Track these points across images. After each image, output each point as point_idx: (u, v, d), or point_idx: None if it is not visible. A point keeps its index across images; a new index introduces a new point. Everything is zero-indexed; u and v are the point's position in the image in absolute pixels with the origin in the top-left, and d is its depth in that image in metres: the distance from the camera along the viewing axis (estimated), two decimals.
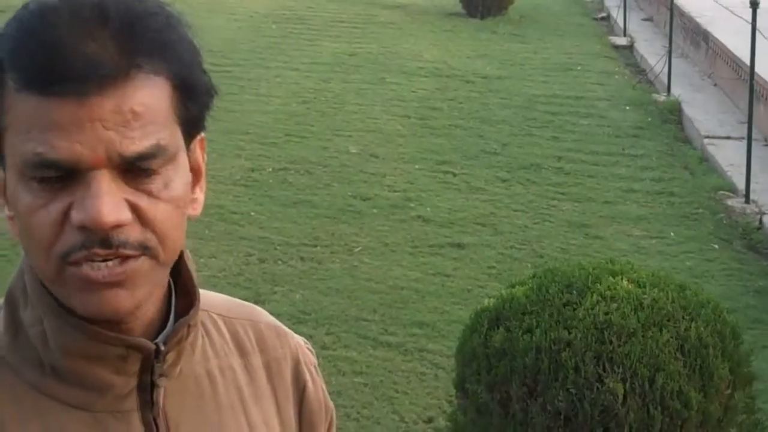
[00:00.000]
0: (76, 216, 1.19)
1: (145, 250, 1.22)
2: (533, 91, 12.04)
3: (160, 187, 1.23)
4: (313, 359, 1.56)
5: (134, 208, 1.21)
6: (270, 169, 8.96)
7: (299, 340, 1.55)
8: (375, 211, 8.14)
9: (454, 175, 9.05)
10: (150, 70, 1.22)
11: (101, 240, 1.19)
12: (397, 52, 13.90)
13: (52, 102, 1.18)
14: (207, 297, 1.44)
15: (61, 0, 1.22)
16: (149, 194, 1.22)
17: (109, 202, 1.19)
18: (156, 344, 1.31)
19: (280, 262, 7.15)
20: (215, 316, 1.46)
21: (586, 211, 8.35)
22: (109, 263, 1.20)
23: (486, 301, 3.75)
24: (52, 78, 1.18)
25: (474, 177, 9.02)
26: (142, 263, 1.22)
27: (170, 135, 1.23)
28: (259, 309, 1.54)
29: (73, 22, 1.19)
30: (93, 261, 1.20)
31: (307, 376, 1.52)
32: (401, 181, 8.82)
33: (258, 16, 16.21)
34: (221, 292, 1.50)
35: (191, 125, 1.28)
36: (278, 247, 7.37)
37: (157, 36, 1.23)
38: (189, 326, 1.34)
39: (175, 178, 1.24)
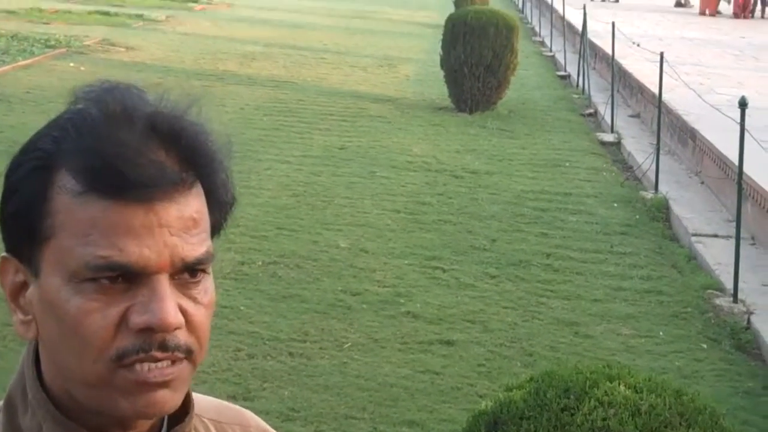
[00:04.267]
0: (139, 318, 1.22)
1: (188, 353, 1.26)
2: (522, 187, 12.11)
3: (201, 293, 1.28)
4: None
5: (183, 313, 1.25)
6: (260, 263, 8.96)
7: None
8: (365, 306, 8.13)
9: (444, 270, 9.06)
10: (199, 180, 1.28)
11: (160, 343, 1.22)
12: (386, 145, 14.00)
13: (120, 206, 1.22)
14: (198, 400, 1.45)
15: (116, 105, 1.26)
16: (194, 300, 1.27)
17: (173, 305, 1.23)
18: None
19: (269, 357, 7.12)
20: (207, 420, 1.48)
21: (575, 309, 8.35)
22: (159, 364, 1.23)
23: (483, 403, 3.74)
24: (123, 182, 1.21)
25: (463, 273, 9.03)
26: (185, 367, 1.26)
27: (211, 242, 1.30)
28: (248, 413, 1.56)
29: (135, 130, 1.23)
30: (148, 363, 1.23)
31: None
32: (391, 277, 8.82)
33: (249, 108, 16.33)
34: (211, 388, 1.51)
35: (213, 234, 1.33)
36: (267, 343, 7.34)
37: (206, 149, 1.29)
38: None
39: (209, 284, 1.30)
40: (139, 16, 28.61)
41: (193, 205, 1.26)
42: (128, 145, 1.21)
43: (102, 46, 22.40)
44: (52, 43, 21.86)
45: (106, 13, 28.72)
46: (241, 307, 7.92)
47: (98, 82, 1.30)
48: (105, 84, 1.30)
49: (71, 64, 19.68)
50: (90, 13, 28.58)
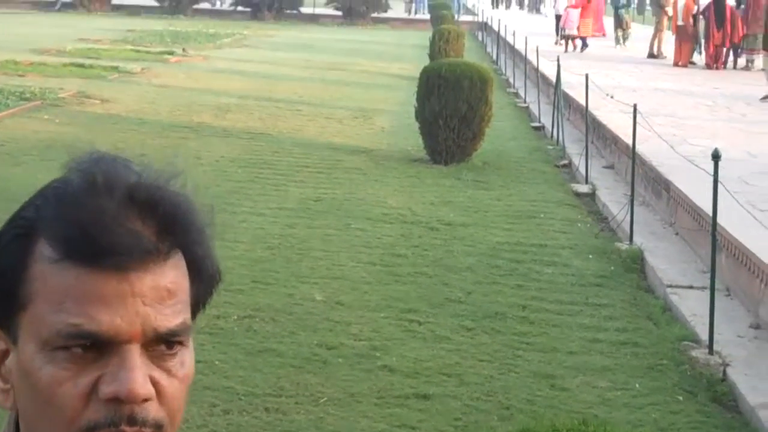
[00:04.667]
0: (107, 388, 1.21)
1: (157, 429, 1.24)
2: (497, 239, 12.12)
3: (177, 365, 1.26)
4: None
5: (154, 385, 1.24)
6: (235, 317, 8.92)
7: None
8: (340, 360, 8.10)
9: (420, 323, 9.04)
10: (179, 251, 1.27)
11: (128, 417, 1.21)
12: (362, 197, 14.00)
13: (93, 274, 1.21)
14: None
15: (99, 175, 1.26)
16: (168, 372, 1.25)
17: (142, 375, 1.22)
18: None
19: (244, 412, 7.08)
20: None
21: (551, 362, 8.34)
22: None
23: None
24: (97, 251, 1.21)
25: (439, 326, 9.01)
26: None
27: (189, 314, 1.29)
28: None
29: (113, 199, 1.23)
30: None
31: None
32: (367, 330, 8.79)
33: (224, 160, 16.32)
34: None
35: (197, 308, 1.33)
36: (243, 398, 7.30)
37: (185, 219, 1.29)
38: None
39: (188, 357, 1.28)
40: (115, 68, 28.61)
41: (169, 275, 1.26)
42: (105, 214, 1.22)
43: (77, 99, 22.39)
44: (27, 95, 21.84)
45: (81, 65, 28.71)
46: (216, 362, 7.87)
47: (88, 153, 1.31)
48: (93, 154, 1.31)
49: (46, 117, 19.67)
50: (65, 65, 28.58)
